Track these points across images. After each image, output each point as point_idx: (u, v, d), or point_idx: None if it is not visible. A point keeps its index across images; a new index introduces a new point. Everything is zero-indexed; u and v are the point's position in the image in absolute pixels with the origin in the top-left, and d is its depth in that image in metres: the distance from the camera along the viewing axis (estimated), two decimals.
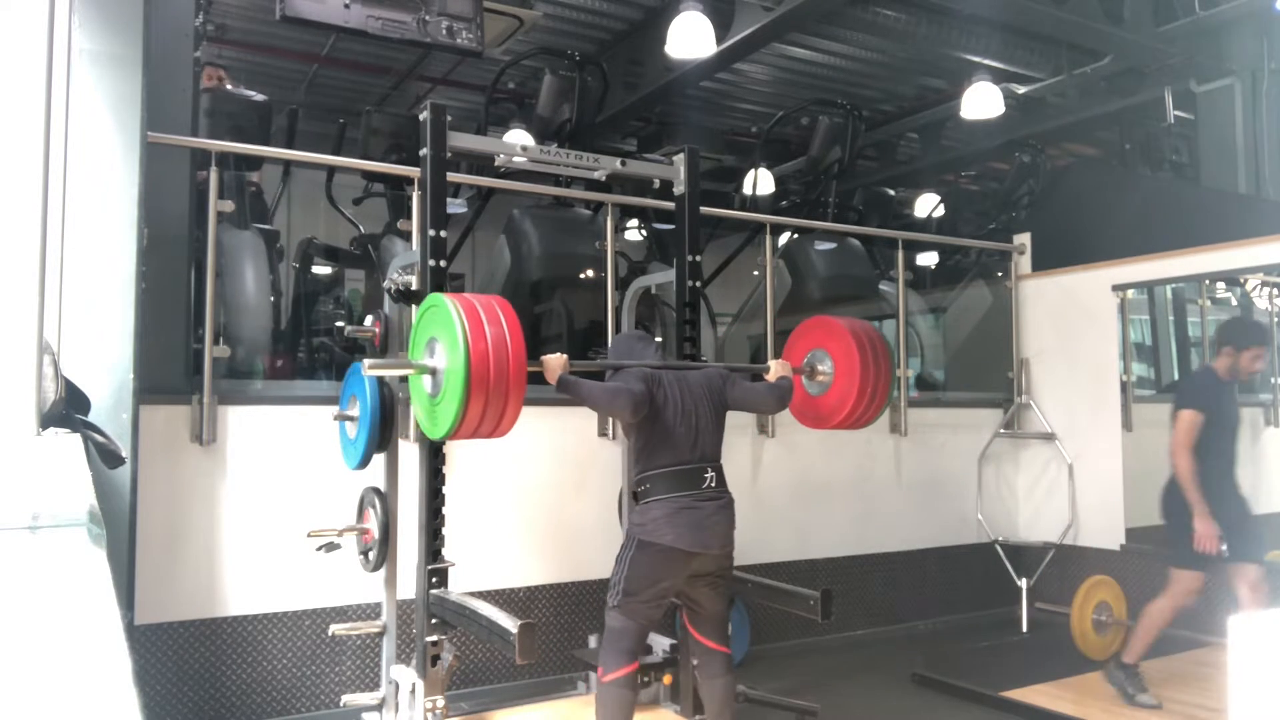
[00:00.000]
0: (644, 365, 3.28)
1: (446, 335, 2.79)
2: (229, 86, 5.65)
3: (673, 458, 3.17)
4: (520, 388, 2.80)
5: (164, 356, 3.73)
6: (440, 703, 3.26)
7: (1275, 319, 6.42)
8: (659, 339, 3.58)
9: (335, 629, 3.55)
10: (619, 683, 3.14)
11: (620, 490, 4.20)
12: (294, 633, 3.96)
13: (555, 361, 3.16)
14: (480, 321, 2.75)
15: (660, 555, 3.11)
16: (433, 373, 2.88)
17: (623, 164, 3.84)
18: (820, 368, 3.76)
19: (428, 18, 4.28)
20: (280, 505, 3.94)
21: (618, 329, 4.55)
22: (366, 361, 2.98)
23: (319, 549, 3.55)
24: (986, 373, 6.46)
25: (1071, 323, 5.91)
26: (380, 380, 3.46)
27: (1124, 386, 5.66)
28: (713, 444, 3.28)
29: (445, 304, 2.81)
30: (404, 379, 3.40)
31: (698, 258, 3.94)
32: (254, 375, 4.85)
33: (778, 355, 5.34)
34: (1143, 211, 6.03)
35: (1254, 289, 6.49)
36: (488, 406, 2.75)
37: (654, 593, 3.15)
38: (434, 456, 3.40)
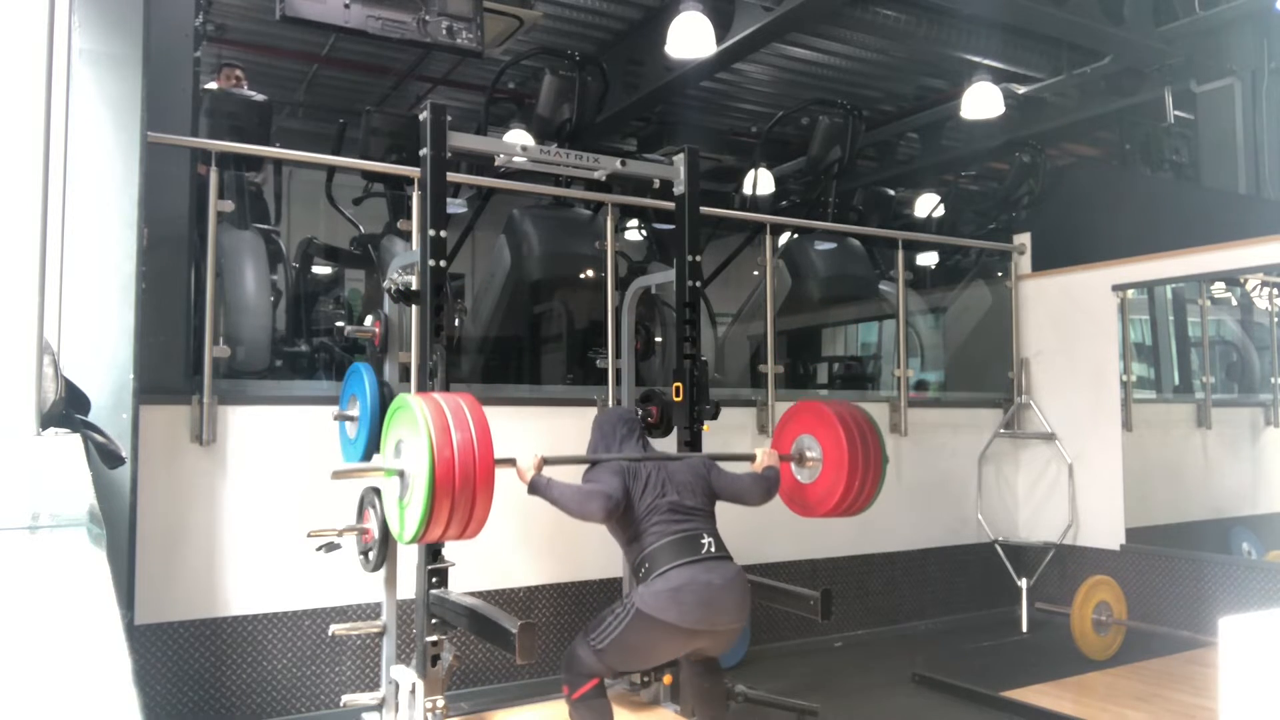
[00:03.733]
0: (622, 458, 3.22)
1: (413, 439, 2.75)
2: (245, 87, 5.67)
3: (665, 529, 3.07)
4: (488, 491, 2.75)
5: (164, 356, 3.73)
6: (440, 703, 3.26)
7: (1275, 319, 6.42)
8: (642, 420, 3.55)
9: (335, 629, 3.55)
10: (590, 694, 3.11)
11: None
12: (294, 633, 3.96)
13: (528, 463, 3.08)
14: (447, 427, 2.71)
15: (660, 632, 2.96)
16: (400, 474, 2.84)
17: (623, 164, 3.84)
18: (809, 454, 3.68)
19: (428, 18, 4.28)
20: (280, 505, 3.93)
21: (618, 329, 4.56)
22: (334, 470, 2.91)
23: (319, 549, 3.55)
24: (986, 373, 6.46)
25: (1071, 323, 5.91)
26: (380, 380, 3.46)
27: (1124, 386, 5.66)
28: (703, 517, 3.18)
29: (412, 408, 2.77)
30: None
31: (698, 258, 3.94)
32: (261, 374, 4.85)
33: (777, 359, 5.37)
34: (1143, 211, 6.03)
35: (1254, 289, 6.50)
36: (454, 511, 2.71)
37: (641, 664, 3.07)
38: None
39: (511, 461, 3.06)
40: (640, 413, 4.26)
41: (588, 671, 3.11)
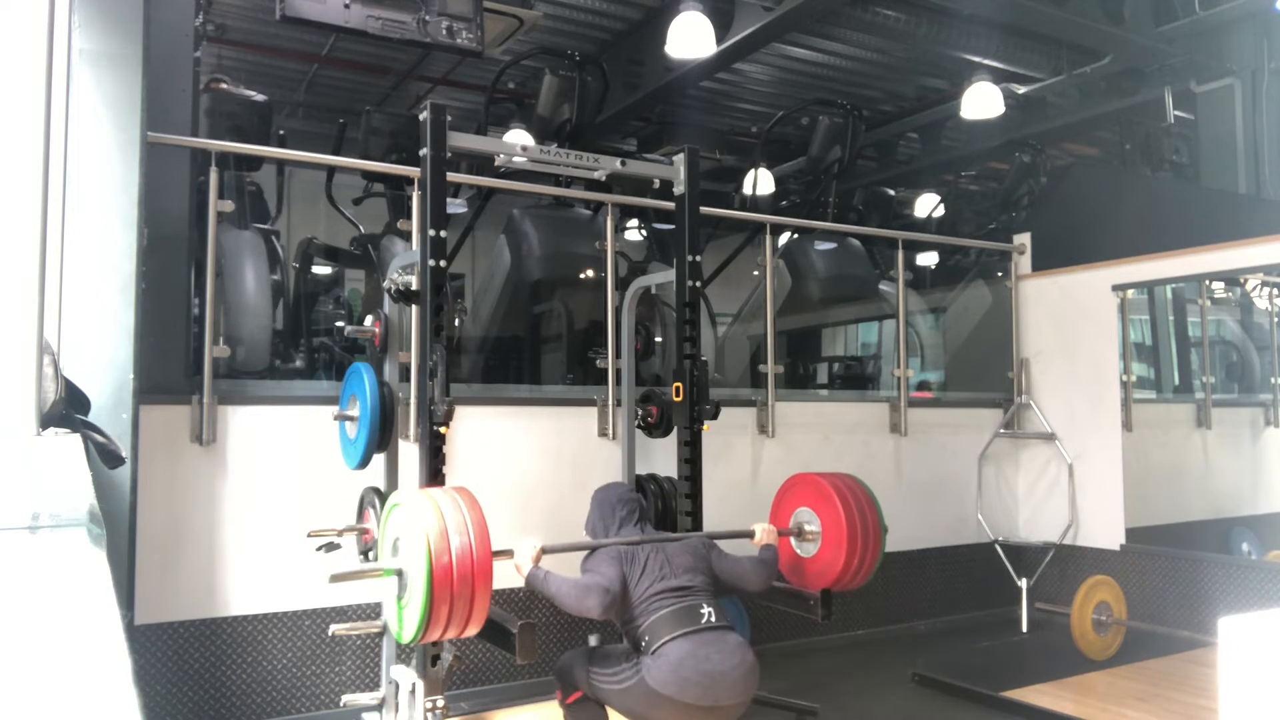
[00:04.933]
0: (620, 543, 3.20)
1: (411, 541, 2.74)
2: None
3: (663, 604, 3.04)
4: (486, 590, 2.74)
5: (164, 356, 3.73)
6: (440, 703, 3.26)
7: (1275, 319, 6.42)
8: (640, 500, 3.55)
9: (335, 629, 3.55)
10: (584, 699, 3.16)
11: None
12: (294, 633, 3.96)
13: (526, 555, 3.04)
14: (445, 531, 2.69)
15: (663, 709, 2.93)
16: (399, 573, 2.82)
17: (623, 164, 3.84)
18: (808, 528, 3.66)
19: (428, 18, 4.28)
20: (280, 505, 3.93)
21: (618, 329, 4.55)
22: (331, 575, 2.85)
23: (319, 549, 3.55)
24: (986, 373, 6.46)
25: (1071, 323, 5.91)
26: (380, 380, 3.46)
27: (1124, 386, 5.66)
28: (702, 588, 3.14)
29: (408, 509, 2.76)
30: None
31: (698, 258, 3.94)
32: (261, 374, 4.85)
33: (777, 358, 5.37)
34: (1143, 211, 6.03)
35: (1254, 289, 6.50)
36: (453, 613, 2.71)
37: None
38: (434, 457, 3.40)
39: (510, 554, 3.03)
40: (641, 412, 4.26)
41: (579, 685, 3.16)
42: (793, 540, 3.70)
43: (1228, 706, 1.50)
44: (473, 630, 2.83)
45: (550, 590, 2.99)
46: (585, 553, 3.27)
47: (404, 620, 2.79)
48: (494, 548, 2.81)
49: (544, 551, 3.08)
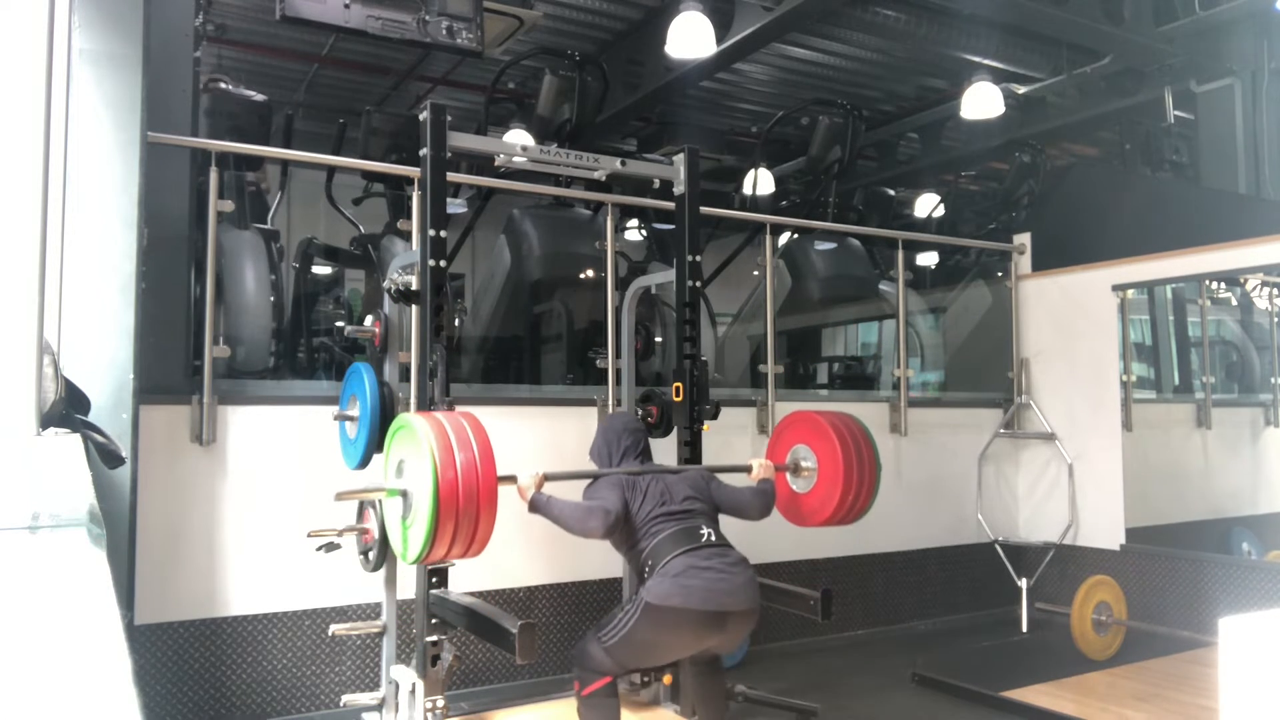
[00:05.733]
0: (622, 472, 3.24)
1: (416, 459, 2.75)
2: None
3: (662, 527, 3.10)
4: (491, 510, 2.75)
5: (164, 356, 3.73)
6: (440, 703, 3.26)
7: (1275, 319, 6.42)
8: (646, 432, 3.58)
9: (335, 629, 3.55)
10: (600, 692, 3.11)
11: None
12: (294, 633, 3.96)
13: (528, 480, 3.08)
14: (450, 446, 2.70)
15: (670, 622, 2.96)
16: (403, 494, 2.84)
17: (623, 164, 3.84)
18: (804, 464, 3.70)
19: (428, 18, 4.28)
20: (280, 505, 3.93)
21: (618, 329, 4.55)
22: (337, 492, 2.88)
23: (319, 549, 3.55)
24: (986, 373, 6.46)
25: (1071, 323, 5.91)
26: (380, 380, 3.46)
27: (1124, 386, 5.66)
28: (703, 511, 3.19)
29: (414, 427, 2.77)
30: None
31: (698, 258, 3.94)
32: (261, 374, 4.84)
33: (777, 358, 5.37)
34: (1143, 211, 6.03)
35: (1254, 289, 6.50)
36: (457, 531, 2.71)
37: (652, 660, 3.06)
38: None
39: (513, 479, 3.05)
40: (641, 413, 4.27)
41: (598, 668, 3.11)
42: (789, 476, 3.74)
43: (1228, 707, 1.50)
44: (476, 551, 2.82)
45: (553, 513, 3.06)
46: (587, 482, 3.31)
47: (409, 540, 2.80)
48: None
49: (546, 478, 3.13)
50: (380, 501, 3.50)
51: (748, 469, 3.56)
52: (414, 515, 2.76)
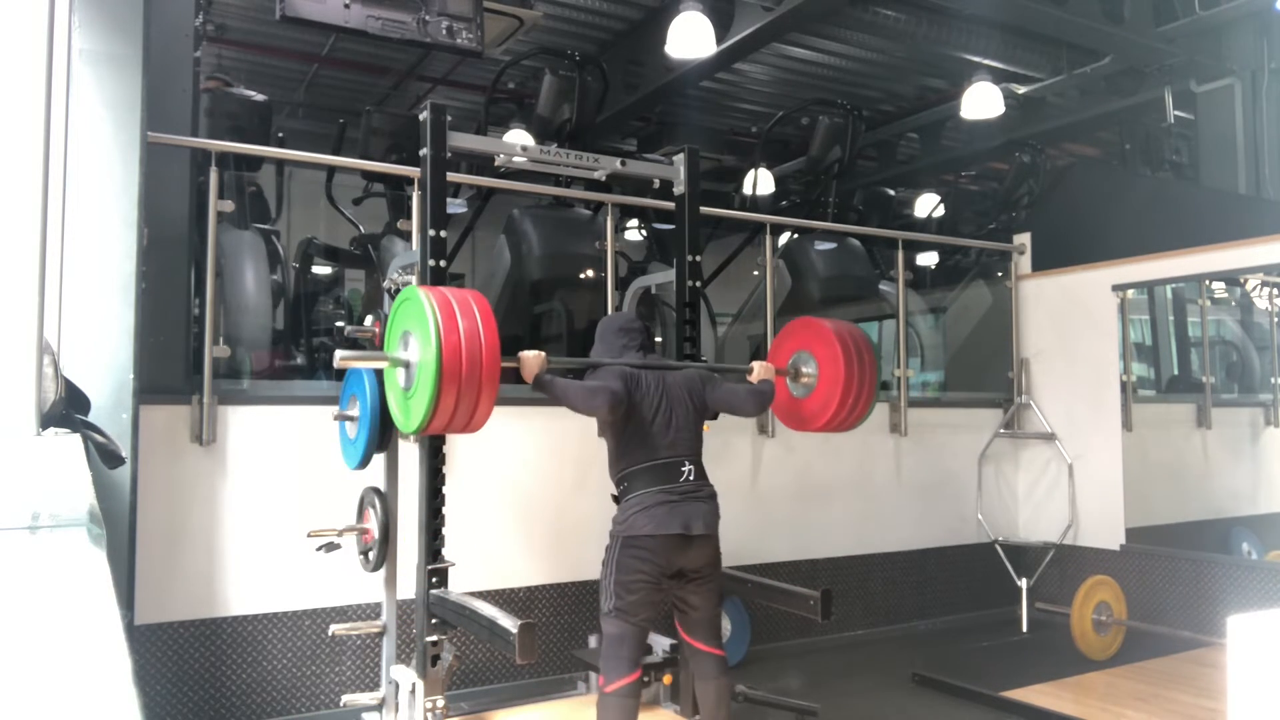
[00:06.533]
0: (624, 364, 3.26)
1: (419, 329, 2.78)
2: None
3: (649, 454, 3.16)
4: (493, 382, 2.78)
5: (164, 356, 3.73)
6: (440, 703, 3.26)
7: (1275, 319, 6.42)
8: (644, 327, 3.55)
9: (335, 629, 3.55)
10: (621, 692, 3.08)
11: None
12: (294, 633, 3.96)
13: (533, 360, 3.11)
14: (454, 315, 2.74)
15: (644, 547, 3.08)
16: (406, 365, 2.87)
17: (623, 164, 3.83)
18: (805, 370, 3.73)
19: (428, 18, 4.28)
20: (280, 505, 3.94)
21: None
22: (339, 354, 2.91)
23: (319, 549, 3.55)
24: (986, 373, 6.46)
25: (1071, 323, 5.91)
26: (380, 380, 3.46)
27: (1124, 386, 5.66)
28: (689, 441, 3.25)
29: (419, 297, 2.80)
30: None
31: (698, 258, 3.94)
32: (246, 375, 4.84)
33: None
34: (1143, 211, 6.03)
35: (1254, 289, 6.50)
36: (460, 401, 2.74)
37: (645, 589, 3.09)
38: (434, 456, 3.40)
39: (516, 361, 3.08)
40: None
41: (617, 642, 3.10)
42: (789, 381, 3.76)
43: (1235, 706, 1.49)
44: (477, 424, 2.83)
45: (557, 390, 3.09)
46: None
47: (410, 410, 2.83)
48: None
49: (549, 362, 3.15)
50: (379, 493, 3.50)
51: (748, 370, 3.58)
52: (416, 386, 2.79)
